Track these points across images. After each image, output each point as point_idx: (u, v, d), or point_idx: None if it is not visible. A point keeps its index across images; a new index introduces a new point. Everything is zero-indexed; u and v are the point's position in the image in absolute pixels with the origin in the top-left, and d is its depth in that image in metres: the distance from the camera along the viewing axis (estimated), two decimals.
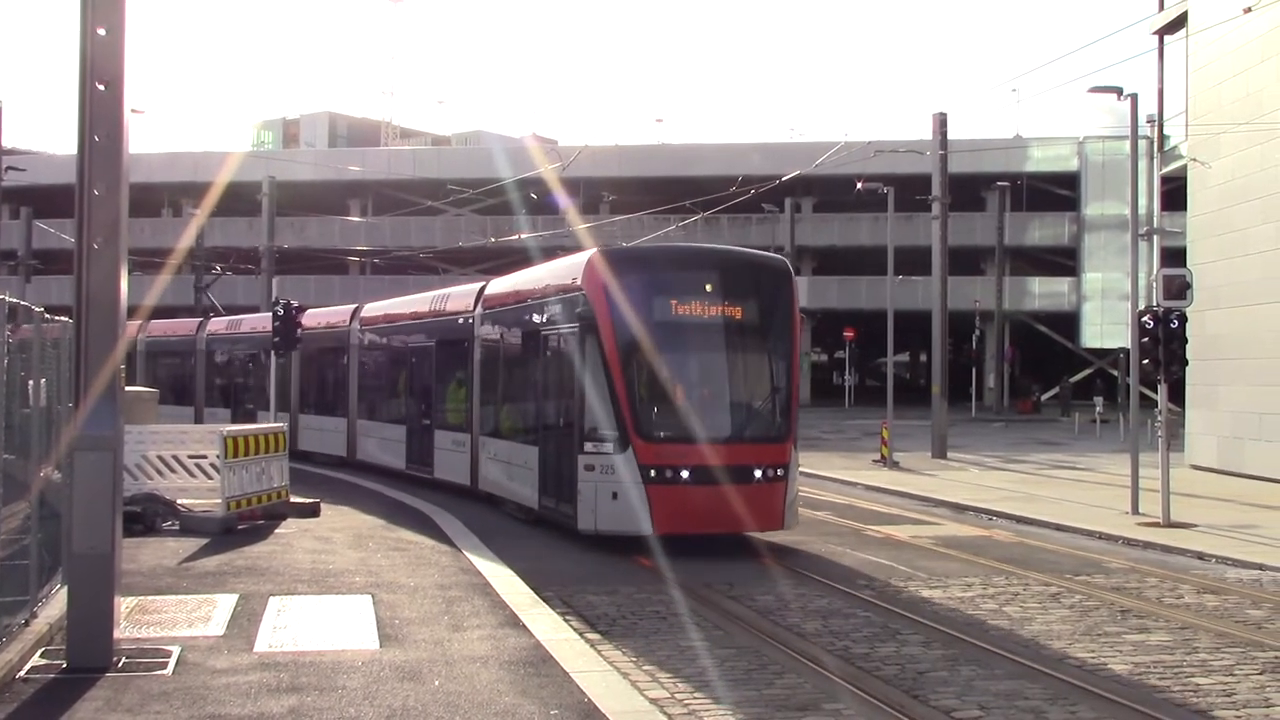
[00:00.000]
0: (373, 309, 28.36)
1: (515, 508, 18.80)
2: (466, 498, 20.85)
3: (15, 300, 10.46)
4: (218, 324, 35.84)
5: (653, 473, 15.12)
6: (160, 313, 43.09)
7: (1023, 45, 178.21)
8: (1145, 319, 19.06)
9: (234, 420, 31.72)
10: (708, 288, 15.89)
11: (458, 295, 23.28)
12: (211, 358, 35.17)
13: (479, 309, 21.46)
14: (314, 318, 30.29)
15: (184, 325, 37.48)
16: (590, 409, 15.71)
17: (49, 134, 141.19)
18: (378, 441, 26.52)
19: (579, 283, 16.20)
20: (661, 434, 15.49)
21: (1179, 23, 31.96)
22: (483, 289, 21.81)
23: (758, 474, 15.43)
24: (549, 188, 46.30)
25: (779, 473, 15.65)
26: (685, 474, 15.17)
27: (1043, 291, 63.61)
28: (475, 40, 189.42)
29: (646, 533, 15.10)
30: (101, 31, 9.04)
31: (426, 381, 24.09)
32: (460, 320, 22.28)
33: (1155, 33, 33.63)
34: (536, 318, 18.09)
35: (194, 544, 14.95)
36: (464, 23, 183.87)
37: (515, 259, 37.03)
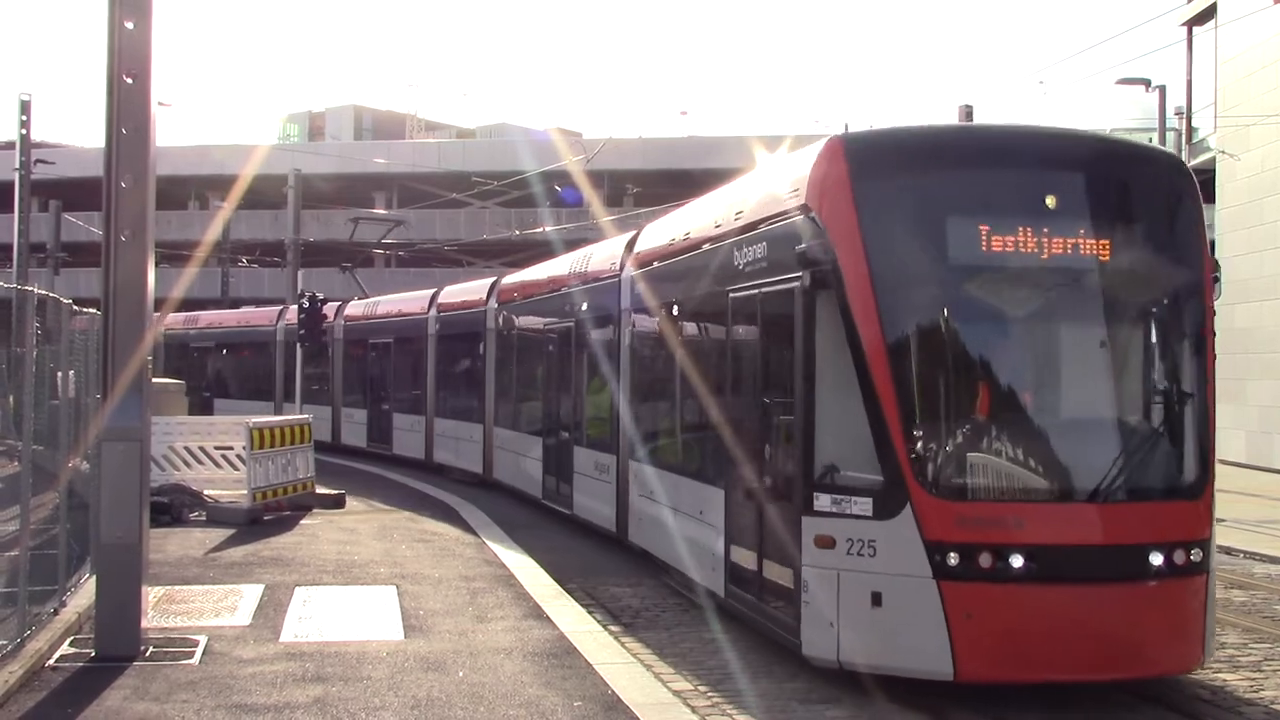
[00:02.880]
0: (512, 280, 22.77)
1: (683, 581, 12.31)
2: (616, 549, 15.01)
3: (44, 292, 10.56)
4: (355, 309, 31.38)
5: (953, 557, 8.32)
6: (188, 305, 43.25)
7: (1050, 37, 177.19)
8: None
9: (371, 423, 28.55)
10: (1050, 202, 8.89)
11: (601, 252, 17.19)
12: (349, 349, 30.87)
13: (628, 268, 15.15)
14: (450, 295, 26.06)
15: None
16: (826, 431, 8.93)
17: (77, 127, 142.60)
18: (514, 458, 20.71)
19: (804, 199, 9.23)
20: (970, 482, 8.68)
21: (1208, 14, 31.69)
22: (634, 238, 15.54)
23: (1156, 560, 8.56)
24: (570, 181, 46.32)
25: (1194, 557, 8.73)
26: (1019, 561, 8.31)
27: None
28: (499, 33, 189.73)
29: (944, 675, 8.40)
30: (129, 25, 9.11)
31: (565, 376, 17.93)
32: (602, 287, 16.14)
33: (1184, 24, 33.34)
34: (722, 271, 11.08)
35: (220, 534, 15.05)
36: (488, 15, 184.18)
37: (539, 251, 37.00)
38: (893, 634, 8.61)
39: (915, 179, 9.10)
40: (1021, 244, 8.79)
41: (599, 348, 16.29)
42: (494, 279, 24.13)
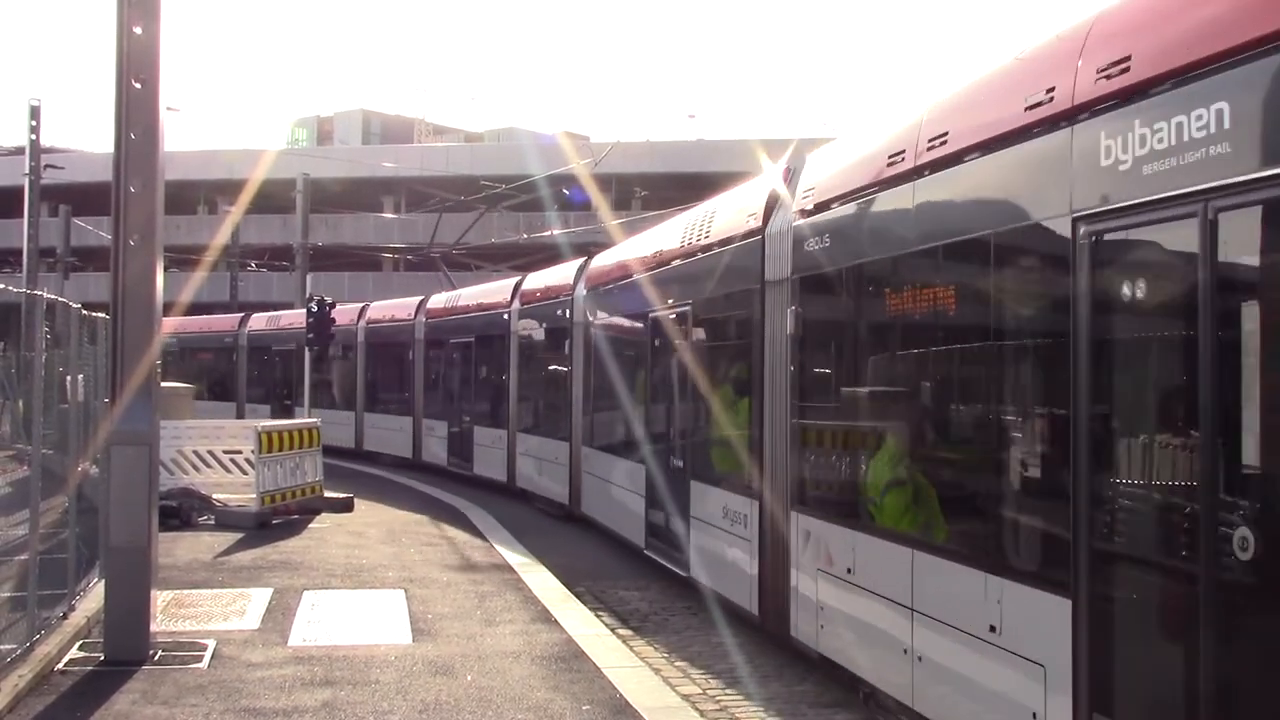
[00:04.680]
0: (604, 260, 17.80)
1: None
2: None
3: (54, 297, 10.59)
4: (437, 303, 27.47)
5: None
6: (197, 309, 43.32)
7: None
8: None
9: (452, 438, 24.92)
10: None
11: (730, 205, 12.17)
12: (429, 350, 27.20)
13: (779, 218, 10.23)
14: (534, 281, 22.09)
15: (403, 308, 28.95)
16: None
17: (86, 132, 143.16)
18: (608, 489, 16.18)
19: None
20: None
21: None
22: (788, 172, 10.50)
23: None
24: (578, 184, 46.34)
25: None
26: None
27: None
28: (507, 37, 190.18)
29: None
30: (138, 30, 9.14)
31: (682, 383, 12.88)
32: (734, 253, 11.24)
33: None
34: (1061, 189, 5.76)
35: (229, 538, 15.07)
36: (496, 19, 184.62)
37: (548, 255, 36.97)
38: None
39: None
40: None
41: (731, 338, 11.73)
42: (584, 258, 19.49)
